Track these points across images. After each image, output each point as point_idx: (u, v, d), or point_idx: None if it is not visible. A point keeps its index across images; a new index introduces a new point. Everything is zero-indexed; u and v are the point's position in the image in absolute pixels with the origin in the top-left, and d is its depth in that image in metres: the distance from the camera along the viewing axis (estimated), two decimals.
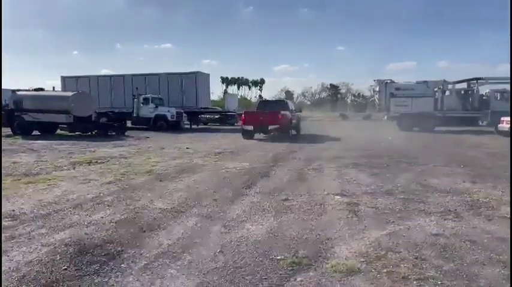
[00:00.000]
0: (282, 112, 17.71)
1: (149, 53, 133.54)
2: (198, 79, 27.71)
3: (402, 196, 6.13)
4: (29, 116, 19.77)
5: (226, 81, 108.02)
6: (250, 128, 17.83)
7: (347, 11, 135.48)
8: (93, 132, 19.78)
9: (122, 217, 4.96)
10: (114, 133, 20.17)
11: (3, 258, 3.58)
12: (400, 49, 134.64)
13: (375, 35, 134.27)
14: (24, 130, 19.70)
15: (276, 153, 11.91)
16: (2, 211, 5.14)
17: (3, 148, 13.73)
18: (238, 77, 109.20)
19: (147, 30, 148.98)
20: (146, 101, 25.65)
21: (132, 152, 12.70)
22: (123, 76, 29.29)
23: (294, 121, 19.79)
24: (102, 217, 4.93)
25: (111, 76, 30.17)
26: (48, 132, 20.31)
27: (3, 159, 10.69)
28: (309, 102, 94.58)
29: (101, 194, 6.26)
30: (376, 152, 12.19)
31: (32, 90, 20.80)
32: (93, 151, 12.87)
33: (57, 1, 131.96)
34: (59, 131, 20.68)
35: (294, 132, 20.17)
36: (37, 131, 20.28)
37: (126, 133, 21.11)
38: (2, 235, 4.18)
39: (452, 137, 18.62)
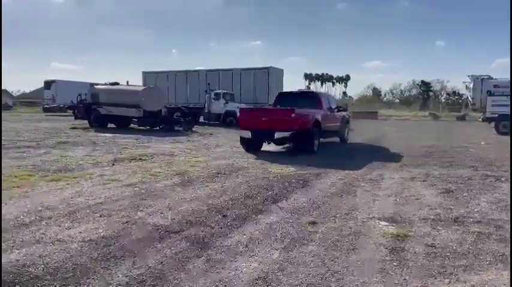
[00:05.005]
0: (298, 111, 11.01)
1: (240, 51, 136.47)
2: (271, 74, 26.76)
3: (476, 228, 4.49)
4: (104, 109, 20.47)
5: (309, 77, 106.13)
6: (248, 134, 11.46)
7: (450, 2, 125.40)
8: (160, 127, 19.86)
9: (102, 233, 4.12)
10: (180, 128, 20.08)
11: None
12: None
13: (481, 28, 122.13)
14: (99, 123, 20.47)
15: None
16: None
17: (69, 140, 14.13)
18: (322, 73, 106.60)
19: (239, 28, 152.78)
20: (217, 96, 25.41)
21: (184, 149, 12.16)
22: (198, 72, 29.46)
23: (333, 124, 13.83)
24: (80, 232, 4.14)
25: (187, 71, 30.52)
26: (123, 125, 20.88)
27: (58, 151, 10.77)
28: (397, 100, 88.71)
29: (108, 200, 5.55)
30: (459, 161, 10.13)
31: (108, 84, 21.54)
32: (147, 147, 12.58)
33: (159, 2, 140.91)
34: (132, 125, 21.19)
35: (337, 139, 14.95)
36: (113, 125, 20.99)
37: (194, 129, 20.96)
38: None
39: None
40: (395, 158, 10.83)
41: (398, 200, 5.87)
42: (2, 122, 16.53)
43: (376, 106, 64.11)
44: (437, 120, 45.40)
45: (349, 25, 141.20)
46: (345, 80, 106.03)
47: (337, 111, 14.59)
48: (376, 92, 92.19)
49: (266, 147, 12.05)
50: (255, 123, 11.36)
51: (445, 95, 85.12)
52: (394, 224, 4.61)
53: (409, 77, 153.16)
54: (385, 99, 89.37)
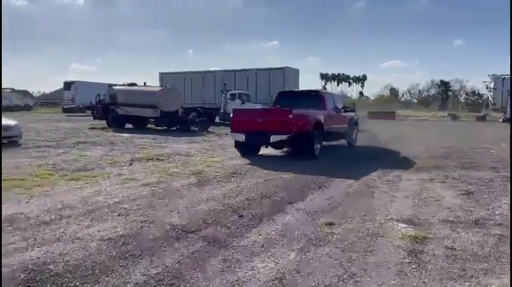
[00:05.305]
0: (297, 112, 10.05)
1: (257, 51, 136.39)
2: (286, 74, 26.76)
3: (497, 231, 4.39)
4: (121, 110, 20.76)
5: (325, 77, 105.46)
6: (242, 138, 10.52)
7: (469, 1, 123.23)
8: (177, 127, 20.02)
9: (121, 232, 4.17)
10: (196, 129, 20.21)
11: None
12: None
13: (500, 26, 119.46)
14: (117, 123, 20.77)
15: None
16: (10, 212, 4.74)
17: (88, 139, 14.38)
18: (339, 73, 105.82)
19: (256, 28, 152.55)
20: (233, 97, 25.49)
21: (200, 149, 12.24)
22: (214, 72, 29.62)
23: (339, 126, 12.56)
24: (99, 231, 4.20)
25: (203, 72, 30.74)
26: (140, 125, 21.13)
27: (77, 151, 10.98)
28: (415, 100, 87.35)
29: (126, 199, 5.62)
30: (479, 162, 9.92)
31: (126, 85, 21.84)
32: (164, 147, 12.70)
33: (175, 3, 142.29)
34: (149, 125, 21.42)
35: (344, 142, 13.64)
36: (130, 125, 21.26)
37: (209, 129, 21.07)
38: None
39: None
40: (412, 159, 10.67)
41: (416, 201, 5.79)
42: (23, 122, 16.92)
43: (393, 106, 63.23)
44: (457, 121, 44.51)
45: (366, 25, 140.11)
46: (361, 80, 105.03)
47: (344, 112, 13.41)
48: (394, 92, 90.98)
49: (265, 150, 11.27)
50: (249, 125, 10.32)
51: (464, 95, 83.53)
52: (412, 226, 4.55)
53: (426, 77, 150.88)
54: (402, 99, 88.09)
